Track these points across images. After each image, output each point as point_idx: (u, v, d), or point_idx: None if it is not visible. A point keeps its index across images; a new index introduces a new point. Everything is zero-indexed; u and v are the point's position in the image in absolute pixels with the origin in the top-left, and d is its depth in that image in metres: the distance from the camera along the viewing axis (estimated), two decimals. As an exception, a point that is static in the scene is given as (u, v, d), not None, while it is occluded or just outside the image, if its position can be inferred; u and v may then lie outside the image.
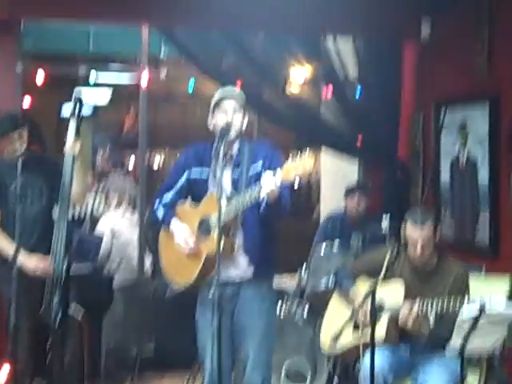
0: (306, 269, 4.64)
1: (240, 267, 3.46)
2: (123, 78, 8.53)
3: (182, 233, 3.47)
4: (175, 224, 3.51)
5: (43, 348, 4.01)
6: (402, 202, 5.17)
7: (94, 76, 5.29)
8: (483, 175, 4.70)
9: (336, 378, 4.43)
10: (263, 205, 3.30)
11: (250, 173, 3.44)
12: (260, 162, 3.45)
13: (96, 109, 10.81)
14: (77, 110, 4.05)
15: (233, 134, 3.40)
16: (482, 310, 2.88)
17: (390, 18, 5.19)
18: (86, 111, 4.27)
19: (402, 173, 5.35)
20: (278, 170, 3.14)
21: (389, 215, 4.57)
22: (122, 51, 6.63)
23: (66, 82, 4.35)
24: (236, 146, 3.50)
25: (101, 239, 5.03)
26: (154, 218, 3.63)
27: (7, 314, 3.76)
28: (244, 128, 3.50)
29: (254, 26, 5.25)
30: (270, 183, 3.13)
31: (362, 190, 5.30)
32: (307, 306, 4.51)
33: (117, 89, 7.65)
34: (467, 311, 2.93)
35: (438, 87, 5.21)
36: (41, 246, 4.01)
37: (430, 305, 3.33)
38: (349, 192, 5.30)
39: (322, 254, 4.51)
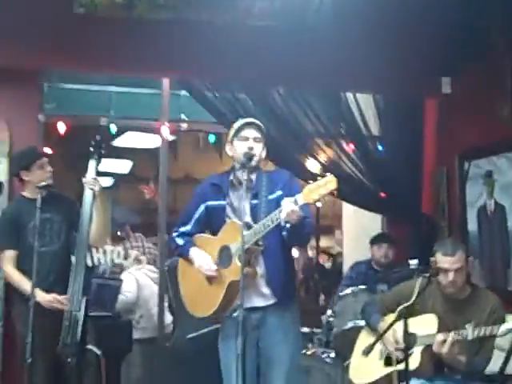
0: (332, 311, 4.47)
1: (262, 296, 3.37)
2: (144, 140, 8.70)
3: (202, 258, 3.40)
4: (194, 251, 3.45)
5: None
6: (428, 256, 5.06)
7: (114, 127, 5.32)
8: (512, 222, 4.63)
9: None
10: (286, 227, 3.24)
11: (269, 201, 3.38)
12: (279, 192, 3.40)
13: (116, 180, 11.07)
14: (97, 151, 4.09)
15: (254, 162, 3.38)
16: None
17: (410, 75, 5.24)
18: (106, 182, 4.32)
19: (428, 226, 5.26)
20: (298, 195, 3.10)
21: (416, 260, 4.44)
22: (143, 116, 6.70)
23: (86, 133, 4.40)
24: (254, 176, 3.47)
25: (119, 287, 4.93)
26: (172, 245, 3.57)
27: (23, 352, 3.61)
28: (263, 157, 3.49)
29: (275, 81, 5.31)
30: (290, 204, 3.08)
31: (390, 241, 5.19)
32: (334, 349, 4.32)
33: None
34: (506, 327, 2.78)
35: (462, 140, 5.21)
36: (58, 284, 3.94)
37: (466, 333, 3.16)
38: (376, 241, 5.20)
39: (348, 296, 4.35)
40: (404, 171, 5.46)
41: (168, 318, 5.57)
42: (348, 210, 6.69)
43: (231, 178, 3.46)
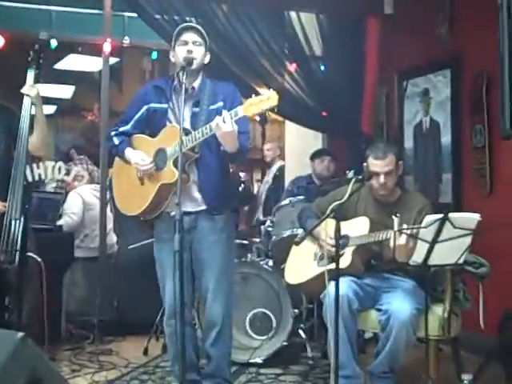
0: (270, 221, 4.59)
1: (194, 201, 3.43)
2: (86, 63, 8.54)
3: (138, 155, 3.42)
4: (130, 151, 3.47)
5: (1, 302, 3.90)
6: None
7: (54, 42, 5.21)
8: (446, 138, 4.79)
9: (301, 332, 4.38)
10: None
11: (210, 111, 3.39)
12: (220, 103, 3.42)
13: (59, 107, 10.90)
14: (35, 60, 4.02)
15: (194, 65, 3.38)
16: (445, 215, 2.88)
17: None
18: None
19: (366, 144, 5.36)
20: (239, 107, 3.14)
21: (353, 171, 4.57)
22: (85, 36, 6.57)
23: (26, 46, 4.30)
24: (198, 82, 3.47)
25: (59, 200, 4.95)
26: (109, 144, 3.57)
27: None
28: (205, 62, 3.49)
29: (219, -3, 5.28)
30: (219, 118, 3.12)
31: (330, 154, 5.31)
32: (272, 257, 4.45)
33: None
34: (430, 219, 2.92)
35: (401, 59, 5.32)
36: None
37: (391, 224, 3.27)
38: (317, 154, 5.31)
39: (287, 206, 4.45)
40: (345, 91, 5.52)
41: (113, 238, 5.63)
42: (291, 132, 6.79)
43: (175, 83, 3.46)
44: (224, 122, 3.13)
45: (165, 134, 3.39)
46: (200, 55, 3.42)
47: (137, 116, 3.51)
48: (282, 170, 6.62)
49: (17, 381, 2.59)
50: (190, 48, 3.38)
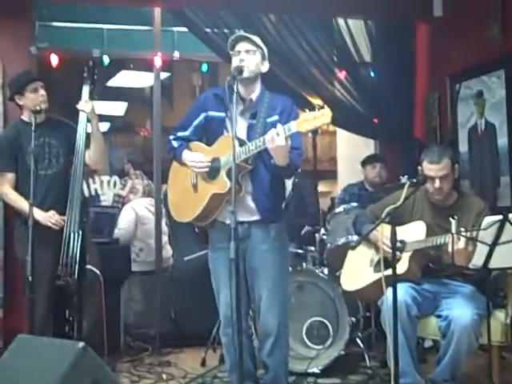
0: (325, 230, 4.56)
1: (248, 211, 3.42)
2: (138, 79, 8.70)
3: (195, 155, 3.44)
4: (187, 153, 3.49)
5: (62, 315, 3.98)
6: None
7: (107, 58, 5.32)
8: (502, 140, 4.69)
9: (358, 341, 4.33)
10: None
11: (266, 124, 3.39)
12: (276, 116, 3.40)
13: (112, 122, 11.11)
14: (90, 76, 4.12)
15: (245, 73, 3.39)
16: (505, 216, 2.80)
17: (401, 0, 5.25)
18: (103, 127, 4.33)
19: (420, 150, 5.29)
20: (292, 122, 3.14)
21: (406, 176, 4.50)
22: (136, 52, 6.69)
23: (80, 64, 4.41)
24: (256, 94, 3.48)
25: (115, 214, 5.02)
26: (167, 146, 3.59)
27: (24, 272, 3.69)
28: (261, 71, 3.49)
29: (265, 7, 5.31)
30: (273, 131, 3.13)
31: (382, 160, 5.24)
32: (327, 265, 4.41)
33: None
34: (489, 220, 2.85)
35: (452, 62, 5.23)
36: (56, 208, 3.98)
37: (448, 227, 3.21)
38: (368, 161, 5.23)
39: (341, 214, 4.42)
40: (396, 96, 5.49)
41: (169, 252, 5.67)
42: (342, 140, 6.77)
43: (230, 91, 3.45)
44: (278, 135, 3.13)
45: (220, 144, 3.41)
46: (253, 64, 3.41)
47: (195, 122, 3.54)
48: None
49: (79, 390, 2.63)
50: (242, 57, 3.40)
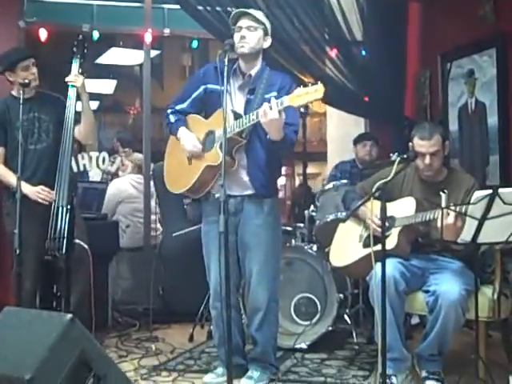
0: (314, 206, 4.55)
1: (241, 185, 3.44)
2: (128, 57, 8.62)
3: (188, 136, 3.47)
4: (183, 130, 3.51)
5: (50, 290, 3.97)
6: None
7: (96, 33, 5.27)
8: (492, 119, 4.69)
9: (346, 317, 4.35)
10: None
11: (264, 99, 3.37)
12: (274, 93, 3.40)
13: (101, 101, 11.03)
14: (80, 50, 4.07)
15: (246, 49, 3.38)
16: (495, 190, 2.80)
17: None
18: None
19: (410, 128, 5.29)
20: (285, 97, 3.14)
21: (397, 153, 4.50)
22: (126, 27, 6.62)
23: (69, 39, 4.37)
24: (256, 69, 3.47)
25: (104, 190, 5.00)
26: (166, 120, 3.61)
27: (12, 245, 3.66)
28: (264, 47, 3.48)
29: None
30: (266, 105, 3.14)
31: (373, 138, 5.24)
32: (316, 242, 4.41)
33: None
34: (478, 195, 2.85)
35: (444, 41, 5.22)
36: (46, 182, 3.95)
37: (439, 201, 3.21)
38: (359, 139, 5.25)
39: (330, 190, 4.41)
40: (387, 75, 5.45)
41: (158, 229, 5.66)
42: (332, 120, 6.75)
43: (235, 66, 3.46)
44: (270, 109, 3.13)
45: (216, 117, 3.40)
46: (254, 40, 3.42)
47: (194, 95, 3.55)
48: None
49: (66, 361, 2.63)
50: (244, 33, 3.38)
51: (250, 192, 3.44)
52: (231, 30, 3.48)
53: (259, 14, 3.48)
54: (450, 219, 3.07)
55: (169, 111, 3.59)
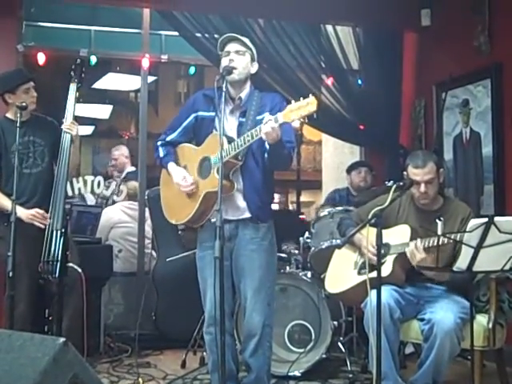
0: (309, 233, 4.55)
1: (238, 209, 3.42)
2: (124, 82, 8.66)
3: (179, 174, 3.45)
4: (172, 166, 3.51)
5: (42, 314, 3.94)
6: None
7: (94, 58, 5.29)
8: (487, 149, 4.73)
9: (340, 345, 4.32)
10: (266, 148, 3.28)
11: (257, 121, 3.38)
12: (266, 113, 3.39)
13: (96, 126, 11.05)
14: (77, 75, 4.09)
15: (236, 75, 3.39)
16: (490, 219, 2.81)
17: (390, 7, 5.27)
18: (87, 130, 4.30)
19: (405, 157, 5.31)
20: (279, 114, 3.14)
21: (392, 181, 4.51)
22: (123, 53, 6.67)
23: (66, 63, 4.39)
24: (245, 93, 3.49)
25: (98, 214, 4.98)
26: (155, 153, 3.59)
27: (5, 269, 3.63)
28: (251, 72, 3.49)
29: (254, 12, 5.32)
30: (270, 121, 3.12)
31: (367, 165, 5.26)
32: (311, 269, 4.40)
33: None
34: (474, 223, 2.85)
35: (439, 71, 5.27)
36: (41, 206, 3.94)
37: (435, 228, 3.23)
38: (354, 166, 5.25)
39: (325, 217, 4.40)
40: (382, 103, 5.51)
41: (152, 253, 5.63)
42: (328, 148, 6.78)
43: (220, 91, 3.46)
44: (276, 121, 3.11)
45: (209, 143, 3.40)
46: (243, 64, 3.43)
47: (185, 123, 3.54)
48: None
49: (58, 385, 2.59)
50: (232, 57, 3.40)
51: (245, 216, 3.43)
52: (219, 55, 3.50)
53: (246, 40, 3.51)
54: (418, 256, 3.19)
55: (158, 143, 3.58)
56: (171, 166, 3.52)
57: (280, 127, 3.15)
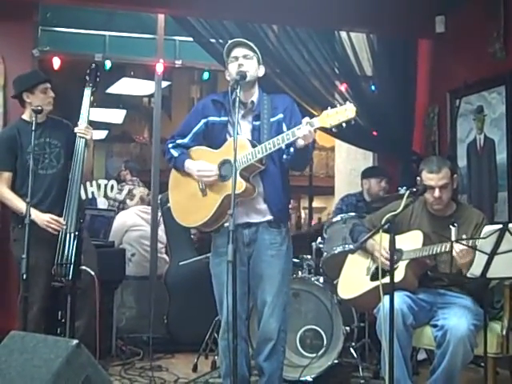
0: (321, 238, 4.55)
1: (259, 212, 3.42)
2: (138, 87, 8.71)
3: (203, 165, 3.41)
4: (190, 162, 3.46)
5: (55, 316, 3.96)
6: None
7: (109, 63, 5.33)
8: (501, 156, 4.71)
9: (352, 351, 4.31)
10: (289, 150, 3.29)
11: (271, 124, 3.40)
12: (280, 115, 3.43)
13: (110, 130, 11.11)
14: (92, 79, 4.11)
15: (248, 77, 3.39)
16: (505, 225, 2.80)
17: (404, 14, 5.27)
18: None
19: (418, 164, 5.30)
20: (315, 119, 3.16)
21: (405, 188, 4.50)
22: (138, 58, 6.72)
23: (81, 67, 4.42)
24: (256, 96, 3.49)
25: (111, 218, 5.01)
26: (167, 156, 3.56)
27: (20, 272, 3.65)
28: (259, 75, 3.50)
29: (268, 18, 5.34)
30: (307, 125, 3.13)
31: (387, 175, 5.19)
32: (323, 274, 4.40)
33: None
34: (488, 229, 2.84)
35: (453, 77, 5.26)
36: (55, 208, 3.95)
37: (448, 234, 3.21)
38: (374, 174, 5.16)
39: (338, 223, 4.40)
40: (396, 110, 5.51)
41: (164, 259, 5.66)
42: (340, 154, 6.79)
43: (234, 96, 3.41)
44: (312, 126, 3.12)
45: (229, 146, 3.34)
46: (252, 68, 3.44)
47: (195, 129, 3.52)
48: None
49: (71, 387, 2.61)
50: (241, 62, 3.41)
51: (267, 218, 3.42)
52: (225, 61, 3.49)
53: (251, 44, 3.51)
54: (460, 247, 3.09)
55: (170, 145, 3.54)
56: (189, 162, 3.47)
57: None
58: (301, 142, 3.18)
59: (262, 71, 3.52)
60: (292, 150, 3.28)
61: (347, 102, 3.10)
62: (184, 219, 3.54)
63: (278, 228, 3.43)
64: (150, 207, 5.64)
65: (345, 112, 3.06)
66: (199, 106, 3.62)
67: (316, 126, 3.13)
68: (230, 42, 3.52)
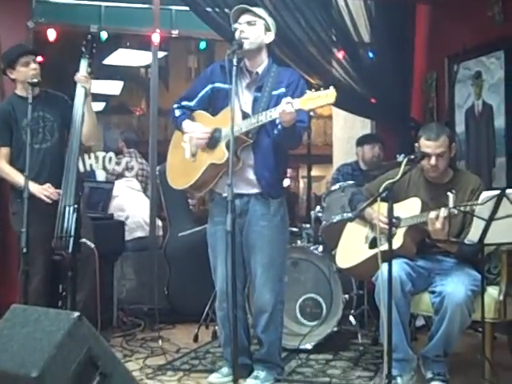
0: (320, 207, 4.56)
1: (248, 183, 3.44)
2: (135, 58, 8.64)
3: (195, 126, 3.46)
4: (188, 123, 3.51)
5: (56, 289, 3.99)
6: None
7: (104, 34, 5.28)
8: (499, 121, 4.70)
9: (351, 318, 4.35)
10: (278, 127, 3.28)
11: (272, 97, 3.40)
12: (282, 89, 3.41)
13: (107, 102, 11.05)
14: (88, 50, 4.08)
15: (246, 45, 3.36)
16: (502, 191, 2.80)
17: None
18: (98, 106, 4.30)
19: (416, 131, 5.29)
20: (296, 99, 3.14)
21: (403, 155, 4.49)
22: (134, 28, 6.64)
23: (77, 39, 4.38)
24: (263, 67, 3.47)
25: (110, 190, 5.00)
26: (171, 115, 3.59)
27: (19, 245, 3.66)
28: (264, 42, 3.46)
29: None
30: (287, 105, 3.12)
31: (381, 141, 5.20)
32: (322, 243, 4.42)
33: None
34: (486, 195, 2.85)
35: (451, 43, 5.22)
36: (52, 181, 3.96)
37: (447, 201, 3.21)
38: (368, 141, 5.17)
39: (336, 191, 4.41)
40: (394, 76, 5.45)
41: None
42: (338, 122, 6.75)
43: (241, 65, 3.43)
44: (292, 106, 3.11)
45: (224, 115, 3.38)
46: (254, 35, 3.40)
47: (201, 93, 3.54)
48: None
49: (73, 359, 2.63)
50: (243, 28, 3.38)
51: (256, 190, 3.44)
52: (232, 28, 3.47)
53: (260, 10, 3.47)
54: (438, 225, 3.12)
55: (175, 106, 3.58)
56: (186, 122, 3.52)
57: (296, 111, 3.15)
58: (281, 121, 3.17)
59: (269, 37, 3.47)
60: (280, 127, 3.28)
61: (330, 87, 3.06)
62: (173, 180, 3.61)
63: (269, 201, 3.43)
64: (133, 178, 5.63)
65: (326, 97, 3.05)
66: (208, 71, 3.63)
67: (296, 107, 3.12)
68: (234, 8, 3.48)
